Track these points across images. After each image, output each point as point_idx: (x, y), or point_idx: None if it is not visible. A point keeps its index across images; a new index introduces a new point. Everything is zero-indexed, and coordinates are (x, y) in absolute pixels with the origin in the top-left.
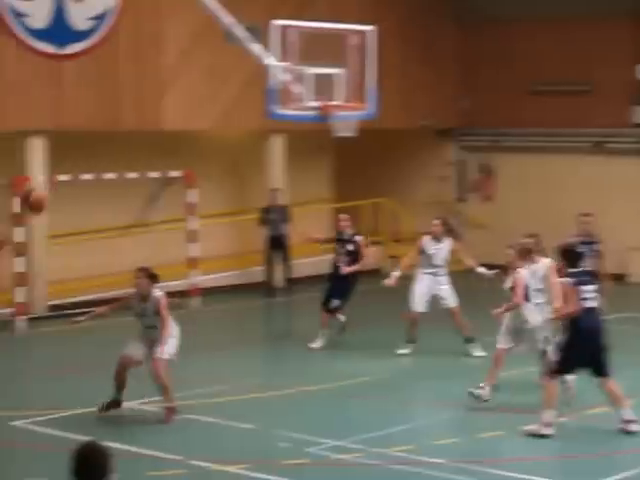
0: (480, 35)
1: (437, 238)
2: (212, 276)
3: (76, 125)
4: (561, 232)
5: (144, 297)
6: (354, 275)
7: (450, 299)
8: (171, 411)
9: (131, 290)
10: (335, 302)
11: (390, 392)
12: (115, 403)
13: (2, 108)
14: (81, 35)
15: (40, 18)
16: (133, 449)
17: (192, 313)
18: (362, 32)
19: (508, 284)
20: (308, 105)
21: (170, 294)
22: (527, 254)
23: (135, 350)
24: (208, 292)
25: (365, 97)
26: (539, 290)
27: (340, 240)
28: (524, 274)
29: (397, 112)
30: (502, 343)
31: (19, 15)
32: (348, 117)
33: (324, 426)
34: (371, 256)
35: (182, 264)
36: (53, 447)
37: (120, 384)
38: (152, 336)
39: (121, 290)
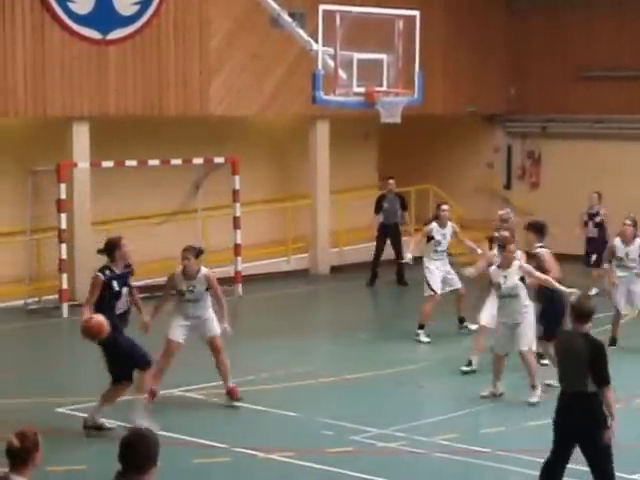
0: (529, 21)
1: (443, 224)
2: (255, 263)
3: (120, 111)
4: (610, 219)
5: (191, 275)
6: None
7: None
8: (234, 390)
9: (176, 270)
10: None
11: (436, 380)
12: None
13: (47, 94)
14: (126, 20)
15: (85, 3)
16: (178, 436)
17: (237, 300)
18: (408, 17)
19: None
20: (353, 91)
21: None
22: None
23: (180, 333)
24: (251, 279)
25: (411, 83)
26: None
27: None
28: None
29: (443, 98)
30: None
31: (64, 1)
32: (394, 103)
33: (368, 414)
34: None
35: (226, 251)
36: (98, 433)
37: (164, 368)
38: (196, 312)
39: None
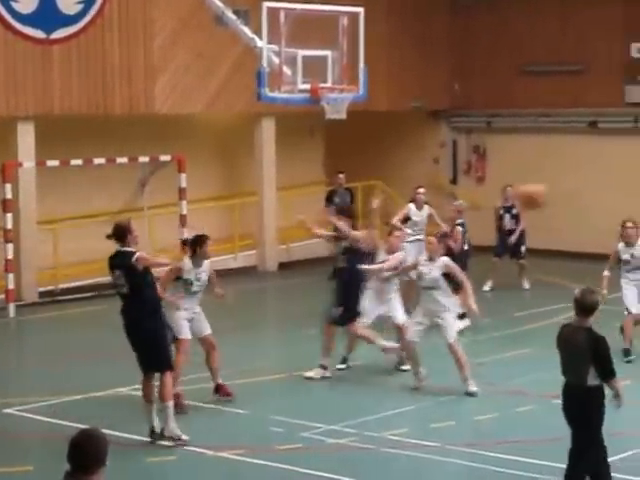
0: (472, 17)
1: (419, 206)
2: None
3: (65, 110)
4: (552, 211)
5: (200, 263)
6: None
7: None
8: (224, 387)
9: (184, 259)
10: None
11: (384, 376)
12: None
13: None
14: (69, 20)
15: (28, 3)
16: (127, 435)
17: None
18: (352, 14)
19: None
20: (298, 88)
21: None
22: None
23: (188, 330)
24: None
25: (355, 79)
26: None
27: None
28: None
29: (388, 94)
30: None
31: (7, 0)
32: (338, 99)
33: (318, 411)
34: None
35: (173, 249)
36: (46, 435)
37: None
38: (197, 306)
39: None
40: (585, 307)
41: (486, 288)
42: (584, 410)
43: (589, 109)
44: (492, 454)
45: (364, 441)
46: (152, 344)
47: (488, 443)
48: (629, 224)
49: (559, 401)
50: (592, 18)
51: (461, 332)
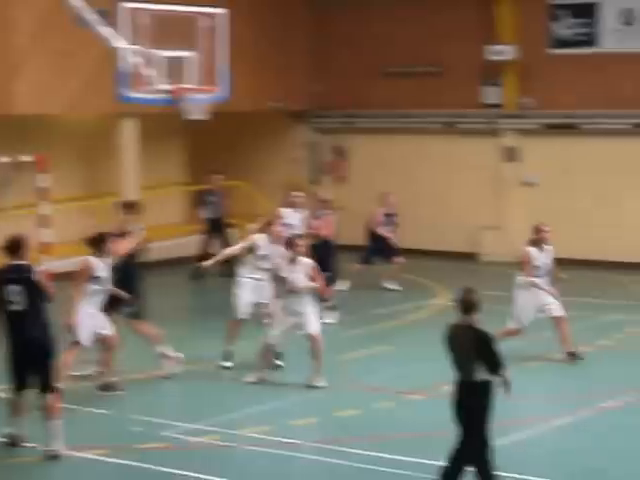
0: (332, 18)
1: (297, 209)
2: (65, 261)
3: None
4: (413, 211)
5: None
6: None
7: None
8: None
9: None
10: None
11: (246, 374)
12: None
13: None
14: None
15: None
16: None
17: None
18: (213, 15)
19: None
20: (159, 88)
21: None
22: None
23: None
24: (62, 277)
25: (217, 80)
26: None
27: None
28: None
29: (249, 95)
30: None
31: None
32: (200, 100)
33: (178, 409)
34: None
35: (34, 249)
36: None
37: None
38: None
39: None
40: (468, 306)
41: (344, 288)
42: (473, 405)
43: (447, 110)
44: (353, 450)
45: (225, 439)
46: (49, 363)
47: (349, 439)
48: (546, 228)
49: (418, 397)
50: (449, 21)
51: (325, 327)
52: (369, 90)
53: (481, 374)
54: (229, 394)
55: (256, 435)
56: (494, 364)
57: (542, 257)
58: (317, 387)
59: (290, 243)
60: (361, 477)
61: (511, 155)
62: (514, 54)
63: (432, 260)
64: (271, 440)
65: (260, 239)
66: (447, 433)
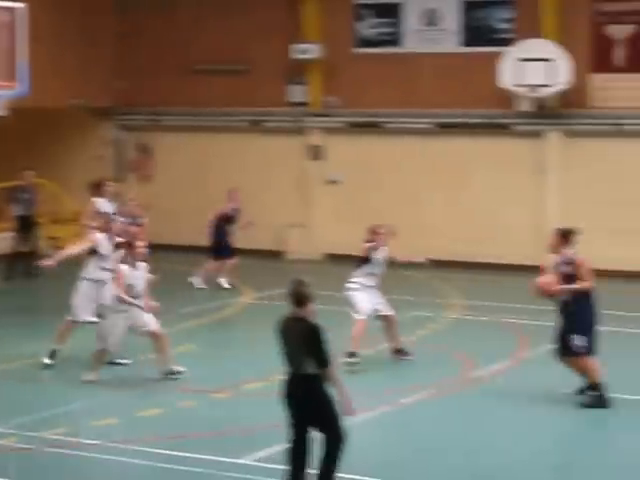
0: (138, 16)
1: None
2: None
3: None
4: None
5: None
6: None
7: None
8: None
9: None
10: None
11: (49, 374)
12: None
13: None
14: None
15: None
16: None
17: None
18: (12, 9)
19: None
20: None
21: None
22: None
23: None
24: None
25: (15, 75)
26: None
27: None
28: None
29: (51, 91)
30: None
31: None
32: None
33: None
34: None
35: None
36: None
37: None
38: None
39: None
40: (298, 298)
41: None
42: (305, 400)
43: (254, 108)
44: (155, 450)
45: (24, 442)
46: None
47: (150, 439)
48: (382, 230)
49: (222, 396)
50: (257, 20)
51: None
52: (176, 88)
53: (311, 367)
54: (36, 395)
55: (56, 437)
56: (321, 359)
57: (379, 256)
58: (180, 372)
59: (129, 245)
60: (160, 476)
61: (316, 153)
62: (319, 53)
63: (239, 258)
64: (69, 441)
65: (100, 239)
66: (247, 431)
